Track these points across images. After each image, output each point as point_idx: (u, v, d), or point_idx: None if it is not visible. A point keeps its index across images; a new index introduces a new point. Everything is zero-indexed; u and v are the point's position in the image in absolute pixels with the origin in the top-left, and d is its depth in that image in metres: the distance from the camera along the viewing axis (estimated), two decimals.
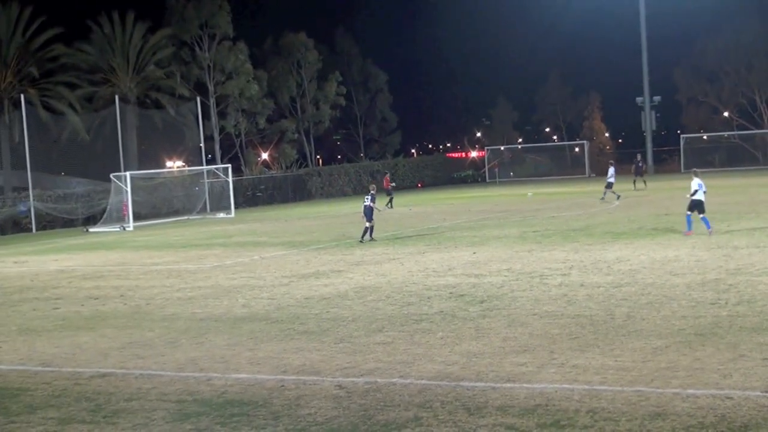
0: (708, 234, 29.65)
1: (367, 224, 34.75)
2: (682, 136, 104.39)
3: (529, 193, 63.04)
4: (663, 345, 14.14)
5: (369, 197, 35.30)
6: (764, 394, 11.25)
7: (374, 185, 38.39)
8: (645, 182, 63.24)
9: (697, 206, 30.60)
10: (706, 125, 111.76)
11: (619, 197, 50.13)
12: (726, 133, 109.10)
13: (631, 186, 60.88)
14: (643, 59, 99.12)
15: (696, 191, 30.68)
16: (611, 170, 53.33)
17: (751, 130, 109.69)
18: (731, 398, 11.16)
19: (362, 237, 34.73)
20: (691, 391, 11.58)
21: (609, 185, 52.12)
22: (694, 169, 34.89)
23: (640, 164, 67.27)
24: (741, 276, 20.62)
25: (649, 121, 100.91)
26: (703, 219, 30.33)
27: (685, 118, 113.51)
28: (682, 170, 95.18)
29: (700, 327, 15.28)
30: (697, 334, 14.73)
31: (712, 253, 25.01)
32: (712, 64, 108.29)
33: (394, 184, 62.17)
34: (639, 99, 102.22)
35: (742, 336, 14.43)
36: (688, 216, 30.74)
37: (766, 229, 30.23)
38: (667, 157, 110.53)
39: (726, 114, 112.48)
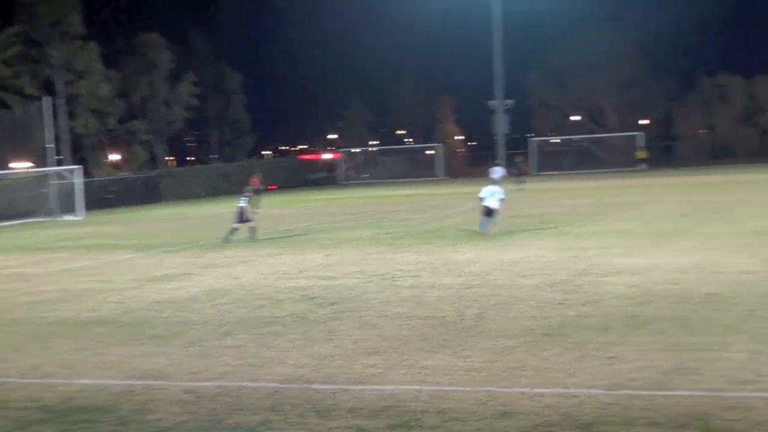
0: (478, 233, 31.49)
1: (235, 225, 34.42)
2: (531, 139, 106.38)
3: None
4: (511, 345, 14.33)
5: (244, 198, 35.08)
6: (608, 392, 11.48)
7: (250, 187, 38.07)
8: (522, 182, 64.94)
9: (486, 212, 32.01)
10: (557, 129, 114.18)
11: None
12: (575, 137, 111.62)
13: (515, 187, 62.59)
14: (496, 63, 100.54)
15: (484, 198, 32.22)
16: (497, 170, 55.07)
17: (600, 133, 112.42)
18: (576, 396, 11.36)
19: (251, 236, 34.36)
20: (538, 390, 11.75)
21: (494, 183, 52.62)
22: (492, 176, 36.35)
23: (521, 165, 69.08)
24: (588, 277, 21.06)
25: (501, 125, 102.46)
26: (489, 222, 31.88)
27: (536, 121, 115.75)
28: (533, 173, 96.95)
29: (548, 327, 15.53)
30: (545, 334, 14.97)
31: (560, 254, 25.48)
32: (564, 69, 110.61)
33: (262, 186, 61.58)
34: (492, 102, 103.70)
35: (588, 335, 14.72)
36: (485, 221, 32.02)
37: (614, 232, 30.97)
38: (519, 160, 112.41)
39: (575, 118, 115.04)
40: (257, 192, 57.65)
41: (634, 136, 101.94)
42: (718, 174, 70.16)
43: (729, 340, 13.92)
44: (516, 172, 68.14)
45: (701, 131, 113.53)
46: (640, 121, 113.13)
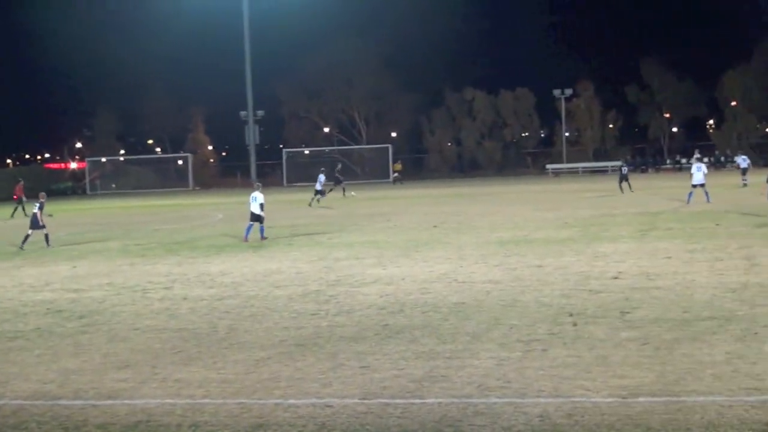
0: (231, 243, 32.67)
1: (30, 231, 34.10)
2: (283, 150, 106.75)
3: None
4: (265, 356, 14.25)
5: (38, 205, 34.68)
6: (362, 401, 11.56)
7: (44, 193, 37.11)
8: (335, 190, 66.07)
9: (252, 218, 33.53)
10: (308, 140, 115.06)
11: (317, 201, 55.45)
12: (327, 149, 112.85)
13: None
14: (246, 74, 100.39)
15: (251, 204, 33.68)
16: (321, 177, 58.05)
17: (351, 145, 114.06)
18: (331, 406, 11.39)
19: (46, 242, 34.01)
20: (292, 401, 11.72)
21: (317, 192, 56.72)
22: (257, 183, 37.42)
23: (339, 173, 69.85)
24: (341, 287, 21.21)
25: (252, 135, 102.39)
26: (260, 228, 33.23)
27: (288, 132, 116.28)
28: (285, 184, 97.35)
29: (302, 338, 15.54)
30: (299, 345, 14.96)
31: (313, 265, 25.59)
32: (314, 81, 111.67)
33: (24, 195, 59.34)
34: (243, 113, 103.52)
35: (341, 345, 14.80)
36: (250, 226, 33.50)
37: (366, 242, 31.38)
38: (270, 170, 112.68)
39: (327, 130, 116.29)
40: (19, 200, 55.80)
41: (385, 148, 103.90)
42: (465, 186, 72.33)
43: (476, 348, 14.26)
44: (340, 179, 69.11)
45: (449, 144, 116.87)
46: (390, 134, 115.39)
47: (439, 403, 11.41)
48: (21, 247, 33.48)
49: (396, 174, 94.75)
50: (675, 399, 11.12)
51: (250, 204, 33.60)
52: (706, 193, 42.57)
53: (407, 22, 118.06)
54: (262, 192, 33.93)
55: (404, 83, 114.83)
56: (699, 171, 43.58)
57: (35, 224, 34.20)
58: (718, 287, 18.78)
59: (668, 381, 11.90)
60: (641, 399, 11.16)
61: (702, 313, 16.06)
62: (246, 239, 32.76)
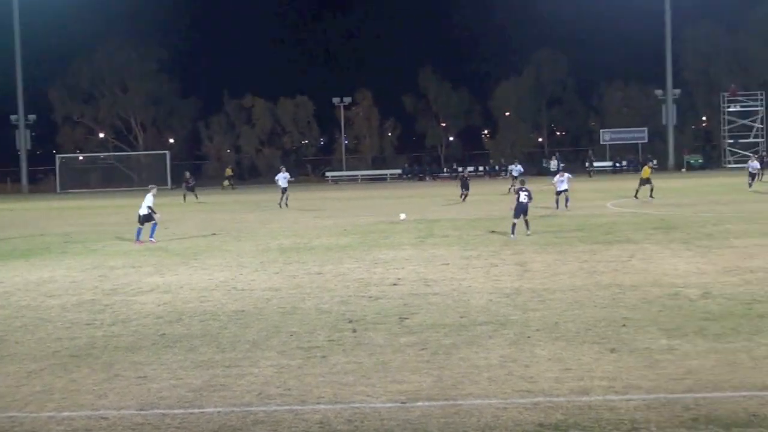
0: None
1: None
2: (57, 155, 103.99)
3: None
4: (38, 368, 13.80)
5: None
6: (139, 412, 11.33)
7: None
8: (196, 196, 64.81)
9: (139, 219, 33.50)
10: (83, 145, 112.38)
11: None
12: (102, 154, 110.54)
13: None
14: (17, 76, 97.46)
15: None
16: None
17: (127, 151, 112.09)
18: (106, 418, 11.12)
19: None
20: (66, 413, 11.38)
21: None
22: (150, 186, 36.13)
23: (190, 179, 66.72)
24: (117, 296, 20.76)
25: (23, 140, 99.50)
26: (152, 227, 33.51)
27: (61, 137, 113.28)
28: (58, 190, 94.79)
29: (76, 348, 15.12)
30: (73, 356, 14.56)
31: (87, 273, 24.96)
32: (88, 85, 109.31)
33: None
34: (13, 117, 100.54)
35: (117, 356, 14.48)
36: (139, 229, 33.48)
37: (142, 250, 30.86)
38: (43, 176, 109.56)
39: (102, 135, 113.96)
40: None
41: (162, 154, 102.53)
42: (245, 193, 71.98)
43: (256, 356, 14.20)
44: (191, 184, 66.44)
45: (228, 151, 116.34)
46: (168, 140, 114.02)
47: (219, 412, 11.31)
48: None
49: (227, 179, 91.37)
50: (452, 402, 11.34)
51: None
52: (567, 199, 42.71)
53: (184, 27, 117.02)
54: (153, 195, 33.86)
55: (182, 89, 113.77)
56: (564, 177, 43.94)
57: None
58: (493, 293, 19.30)
59: (446, 385, 12.12)
60: (419, 403, 11.33)
61: (478, 318, 16.46)
62: (143, 241, 32.92)
